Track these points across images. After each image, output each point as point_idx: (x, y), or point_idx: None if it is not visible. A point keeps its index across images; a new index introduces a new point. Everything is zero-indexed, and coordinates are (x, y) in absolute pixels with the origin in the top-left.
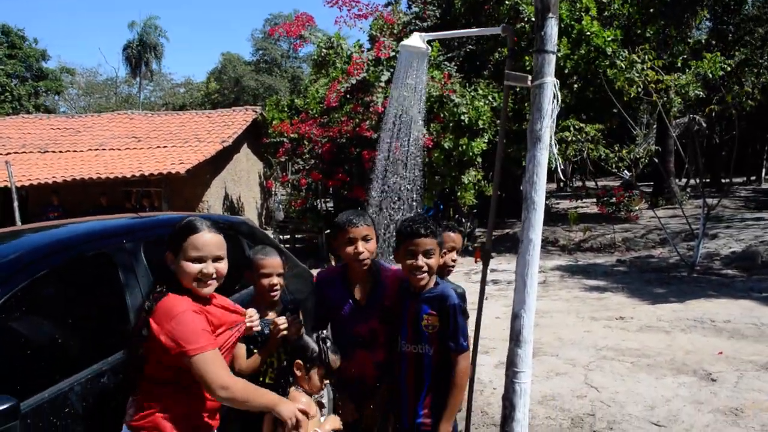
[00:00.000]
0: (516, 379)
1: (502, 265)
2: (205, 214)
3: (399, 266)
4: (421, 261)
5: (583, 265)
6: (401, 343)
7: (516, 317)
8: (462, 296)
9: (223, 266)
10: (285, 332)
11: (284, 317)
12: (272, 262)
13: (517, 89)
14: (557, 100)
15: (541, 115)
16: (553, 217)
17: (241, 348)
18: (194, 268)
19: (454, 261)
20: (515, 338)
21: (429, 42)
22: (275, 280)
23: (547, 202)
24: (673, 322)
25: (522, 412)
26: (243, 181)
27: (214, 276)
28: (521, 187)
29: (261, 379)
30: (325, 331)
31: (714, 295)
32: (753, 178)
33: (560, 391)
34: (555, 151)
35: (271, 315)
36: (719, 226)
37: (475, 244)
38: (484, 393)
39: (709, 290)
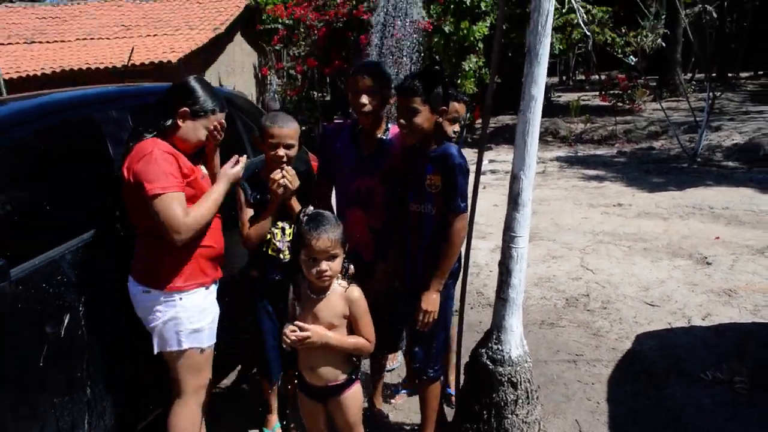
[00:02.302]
0: (513, 243)
1: (501, 155)
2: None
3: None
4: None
5: (583, 156)
6: (408, 203)
7: (515, 179)
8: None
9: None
10: (282, 186)
11: (280, 169)
12: (281, 131)
13: None
14: None
15: None
16: (554, 109)
17: (248, 213)
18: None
19: (455, 132)
20: (513, 201)
21: None
22: (281, 152)
23: (549, 94)
24: (671, 208)
25: (518, 278)
26: (237, 72)
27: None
28: (524, 45)
29: (264, 249)
30: (311, 208)
31: (713, 185)
32: (761, 72)
33: (556, 273)
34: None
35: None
36: (723, 118)
37: (474, 136)
38: (480, 275)
39: (709, 180)
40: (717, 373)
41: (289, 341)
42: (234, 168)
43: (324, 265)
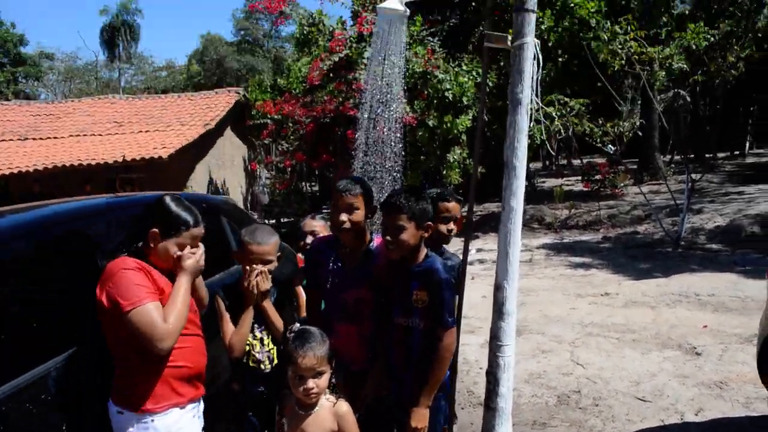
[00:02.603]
0: (500, 352)
1: (488, 244)
2: (185, 193)
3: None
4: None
5: (569, 242)
6: (394, 316)
7: (499, 288)
8: (456, 268)
9: None
10: (255, 285)
11: (254, 267)
12: (259, 248)
13: (501, 63)
14: (539, 62)
15: (522, 77)
16: (538, 195)
17: (227, 324)
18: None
19: (449, 231)
20: (498, 310)
21: (411, 14)
22: (260, 267)
23: (533, 180)
24: (657, 296)
25: (506, 387)
26: (227, 166)
27: None
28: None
29: (245, 360)
30: (297, 325)
31: (698, 270)
32: (737, 152)
33: (546, 368)
34: (542, 120)
35: None
36: (703, 200)
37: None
38: (470, 373)
39: (694, 264)
40: None
41: None
42: (189, 260)
43: (311, 382)
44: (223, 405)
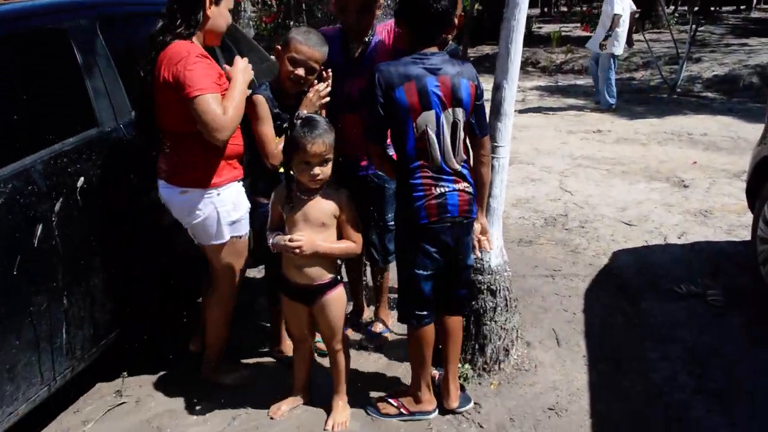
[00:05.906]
0: (494, 153)
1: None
2: None
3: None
4: None
5: (564, 85)
6: None
7: (498, 88)
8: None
9: None
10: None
11: (323, 84)
12: (311, 52)
13: None
14: None
15: None
16: (535, 40)
17: (270, 129)
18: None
19: None
20: (495, 111)
21: None
22: (300, 71)
23: (530, 25)
24: (650, 134)
25: (499, 188)
26: None
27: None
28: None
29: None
30: (304, 111)
31: (692, 113)
32: (743, 7)
33: (535, 195)
34: None
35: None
36: (704, 50)
37: None
38: None
39: (688, 110)
40: (691, 286)
41: (280, 246)
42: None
43: (317, 169)
44: None
